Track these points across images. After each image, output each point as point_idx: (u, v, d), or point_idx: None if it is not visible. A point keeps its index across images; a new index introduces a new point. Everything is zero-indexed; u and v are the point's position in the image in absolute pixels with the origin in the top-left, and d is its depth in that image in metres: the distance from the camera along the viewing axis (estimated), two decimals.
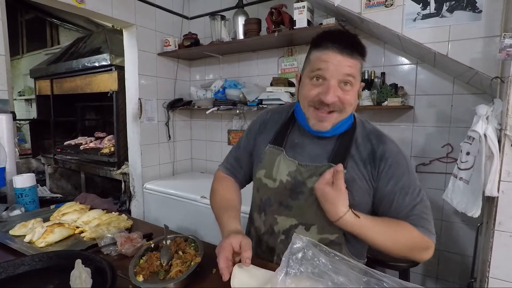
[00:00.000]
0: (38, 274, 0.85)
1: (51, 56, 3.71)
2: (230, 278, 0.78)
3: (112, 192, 3.47)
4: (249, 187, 1.14)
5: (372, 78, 1.98)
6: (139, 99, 2.53)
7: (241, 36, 2.36)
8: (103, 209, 1.34)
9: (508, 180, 1.22)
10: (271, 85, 2.28)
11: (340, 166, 0.80)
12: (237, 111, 2.43)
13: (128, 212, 2.71)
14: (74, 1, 2.02)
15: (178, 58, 2.84)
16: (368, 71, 1.99)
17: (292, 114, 1.03)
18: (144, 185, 2.57)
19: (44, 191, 1.94)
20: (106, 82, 2.77)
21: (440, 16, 1.54)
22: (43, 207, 1.44)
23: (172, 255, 0.89)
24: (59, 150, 3.40)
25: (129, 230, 1.20)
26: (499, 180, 1.23)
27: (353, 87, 0.86)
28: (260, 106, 2.29)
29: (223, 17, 2.39)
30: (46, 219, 1.22)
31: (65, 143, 3.47)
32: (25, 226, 1.14)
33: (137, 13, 2.44)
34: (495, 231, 1.25)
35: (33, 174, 1.44)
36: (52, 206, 1.42)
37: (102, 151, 2.98)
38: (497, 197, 1.24)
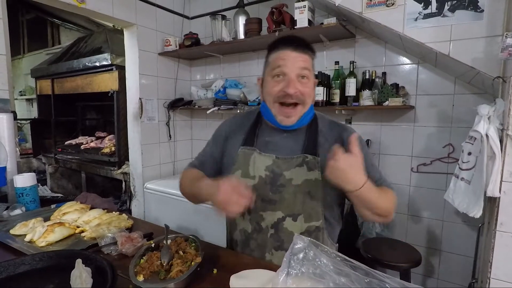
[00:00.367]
0: (39, 273, 0.85)
1: (52, 56, 3.71)
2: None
3: (113, 192, 3.47)
4: None
5: (373, 78, 1.98)
6: (140, 98, 2.53)
7: (241, 35, 2.36)
8: (103, 209, 1.35)
9: (510, 180, 1.22)
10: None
11: (355, 135, 0.89)
12: (238, 111, 2.43)
13: (128, 211, 2.71)
14: (75, 1, 2.02)
15: (178, 58, 2.84)
16: (369, 70, 1.98)
17: (258, 116, 1.12)
18: (145, 185, 2.57)
19: (45, 191, 1.95)
20: (106, 82, 2.77)
21: (442, 15, 1.53)
22: (44, 206, 1.44)
23: (172, 255, 0.89)
24: (60, 149, 3.40)
25: (130, 229, 1.20)
26: (501, 181, 1.23)
27: (309, 80, 0.98)
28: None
29: (223, 17, 2.38)
30: (46, 219, 1.22)
31: (66, 142, 3.47)
32: (26, 225, 1.14)
33: (138, 12, 2.44)
34: (496, 232, 1.25)
35: (33, 174, 1.44)
36: (52, 206, 1.43)
37: (102, 150, 2.98)
38: (499, 198, 1.24)
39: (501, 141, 1.24)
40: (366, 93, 1.94)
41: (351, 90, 1.98)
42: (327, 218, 1.02)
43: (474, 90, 1.79)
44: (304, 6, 1.93)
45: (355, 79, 1.98)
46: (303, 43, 0.99)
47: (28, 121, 3.97)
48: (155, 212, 2.54)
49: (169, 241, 0.96)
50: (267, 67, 1.02)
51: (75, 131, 3.77)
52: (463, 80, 1.80)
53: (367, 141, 2.12)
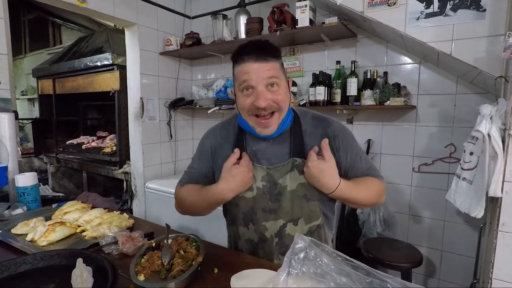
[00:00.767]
0: (40, 272, 0.85)
1: (54, 56, 3.72)
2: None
3: (114, 191, 3.48)
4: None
5: (375, 77, 1.97)
6: (141, 98, 2.53)
7: (243, 35, 2.36)
8: (104, 208, 1.35)
9: None
10: None
11: (325, 140, 0.92)
12: None
13: (129, 211, 2.71)
14: (77, 1, 2.02)
15: (180, 58, 2.84)
16: (370, 70, 1.98)
17: (239, 125, 1.07)
18: (146, 184, 2.58)
19: (46, 190, 1.95)
20: (108, 82, 2.78)
21: (444, 15, 1.52)
22: (45, 206, 1.45)
23: (173, 254, 0.89)
24: (61, 149, 3.41)
25: (131, 229, 1.20)
26: (503, 181, 1.22)
27: (280, 86, 0.94)
28: None
29: (225, 16, 2.38)
30: (48, 218, 1.23)
31: (67, 142, 3.48)
32: (27, 224, 1.14)
33: (139, 12, 2.44)
34: (498, 232, 1.24)
35: (35, 173, 1.44)
36: (54, 205, 1.43)
37: (104, 150, 2.98)
38: (501, 198, 1.23)
39: (503, 141, 1.24)
40: (367, 92, 1.94)
41: (352, 89, 1.98)
42: (324, 213, 1.04)
43: (476, 90, 1.79)
44: (306, 6, 1.93)
45: (356, 78, 1.98)
46: (263, 50, 0.93)
47: (30, 121, 3.98)
48: (156, 211, 2.54)
49: (170, 241, 0.96)
50: (235, 81, 0.99)
51: (77, 131, 3.78)
52: (465, 79, 1.79)
53: (369, 140, 2.11)
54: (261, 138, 1.02)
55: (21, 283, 0.81)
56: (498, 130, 1.25)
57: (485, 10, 1.43)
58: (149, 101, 2.59)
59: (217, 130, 1.13)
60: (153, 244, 0.95)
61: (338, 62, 2.07)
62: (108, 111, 3.66)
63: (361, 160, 1.04)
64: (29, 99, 5.22)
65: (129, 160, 2.72)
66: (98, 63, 2.81)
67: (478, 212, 1.35)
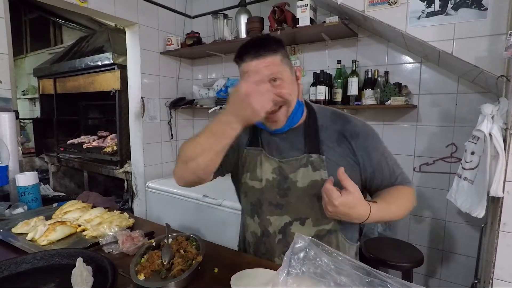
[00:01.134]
0: (40, 272, 0.85)
1: (55, 55, 3.73)
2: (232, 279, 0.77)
3: (115, 191, 3.48)
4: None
5: (376, 77, 1.96)
6: (142, 98, 2.53)
7: (243, 34, 2.36)
8: (105, 208, 1.35)
9: None
10: None
11: (341, 169, 0.80)
12: None
13: (130, 210, 2.72)
14: (77, 0, 2.02)
15: (180, 57, 2.84)
16: (371, 69, 1.97)
17: None
18: (147, 184, 2.58)
19: (47, 190, 1.95)
20: (108, 81, 2.78)
21: (445, 14, 1.52)
22: (46, 205, 1.45)
23: (173, 254, 0.89)
24: (62, 148, 3.41)
25: (131, 228, 1.20)
26: (505, 180, 1.22)
27: (283, 79, 0.90)
28: None
29: (225, 16, 2.38)
30: (48, 217, 1.23)
31: (68, 141, 3.48)
32: (28, 224, 1.14)
33: (139, 12, 2.44)
34: (499, 232, 1.24)
35: (35, 173, 1.45)
36: (54, 205, 1.43)
37: (104, 150, 2.99)
38: (502, 198, 1.22)
39: (504, 141, 1.23)
40: (368, 92, 1.93)
41: (353, 89, 1.97)
42: (341, 220, 0.92)
43: (477, 89, 1.78)
44: (306, 5, 1.92)
45: (357, 78, 1.97)
46: (260, 46, 0.89)
47: (31, 120, 3.99)
48: (157, 211, 2.54)
49: (170, 240, 0.96)
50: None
51: (78, 130, 3.79)
52: (467, 79, 1.79)
53: None
54: (274, 133, 1.00)
55: (21, 283, 0.81)
56: (500, 130, 1.25)
57: (486, 9, 1.42)
58: (149, 100, 2.60)
59: None
60: (153, 244, 0.95)
61: (339, 62, 2.06)
62: (109, 110, 3.66)
63: (388, 163, 0.96)
64: (30, 99, 5.23)
65: (130, 159, 2.72)
66: (99, 63, 2.81)
67: (479, 212, 1.34)
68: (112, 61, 2.69)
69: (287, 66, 0.93)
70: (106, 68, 2.80)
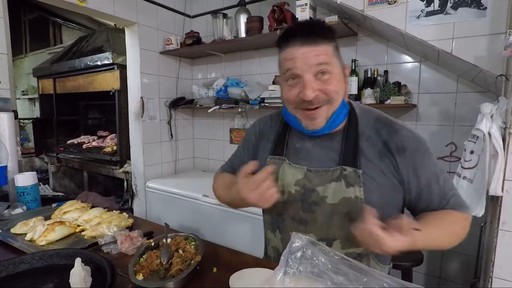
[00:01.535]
0: (38, 272, 0.85)
1: (54, 55, 3.72)
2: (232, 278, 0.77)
3: (115, 191, 3.48)
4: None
5: (375, 76, 1.96)
6: (141, 97, 2.53)
7: (243, 34, 2.35)
8: (104, 208, 1.34)
9: None
10: (273, 83, 2.27)
11: (371, 211, 0.66)
12: (239, 110, 2.42)
13: (130, 210, 2.72)
14: (77, 0, 2.02)
15: (180, 57, 2.84)
16: (371, 69, 1.97)
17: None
18: (146, 184, 2.58)
19: (46, 190, 1.95)
20: (108, 81, 2.78)
21: (444, 13, 1.52)
22: (45, 205, 1.45)
23: (172, 253, 0.89)
24: (62, 149, 3.41)
25: (130, 228, 1.20)
26: (504, 179, 1.22)
27: (332, 74, 0.79)
28: (262, 104, 2.28)
29: (225, 15, 2.38)
30: (47, 218, 1.23)
31: (68, 142, 3.48)
32: (27, 224, 1.14)
33: (139, 11, 2.43)
34: (499, 231, 1.24)
35: (34, 173, 1.45)
36: (53, 205, 1.43)
37: (104, 149, 2.98)
38: (501, 197, 1.23)
39: (503, 140, 1.23)
40: (368, 91, 1.93)
41: (352, 88, 1.97)
42: None
43: (476, 89, 1.78)
44: (306, 4, 1.92)
45: (356, 77, 1.97)
46: (313, 32, 0.78)
47: (30, 121, 3.98)
48: (156, 211, 2.54)
49: (168, 240, 0.96)
50: (280, 69, 0.85)
51: (77, 130, 3.78)
52: (466, 78, 1.78)
53: None
54: (308, 136, 0.89)
55: (19, 283, 0.81)
56: (499, 129, 1.25)
57: (485, 8, 1.42)
58: (149, 100, 2.59)
59: (265, 119, 1.04)
60: (152, 244, 0.95)
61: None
62: (108, 110, 3.66)
63: (439, 183, 0.82)
64: (29, 99, 5.23)
65: (130, 159, 2.72)
66: (99, 63, 2.81)
67: (479, 211, 1.35)
68: (111, 61, 2.69)
69: (338, 60, 0.82)
70: (105, 68, 2.80)
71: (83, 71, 3.00)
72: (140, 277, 0.79)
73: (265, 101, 2.26)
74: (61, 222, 1.14)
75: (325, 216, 0.83)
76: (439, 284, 2.02)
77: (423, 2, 1.56)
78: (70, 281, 0.75)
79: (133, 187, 2.69)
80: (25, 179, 1.39)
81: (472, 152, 1.39)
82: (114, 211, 1.32)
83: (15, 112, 1.62)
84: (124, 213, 1.29)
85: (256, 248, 1.75)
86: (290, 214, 0.89)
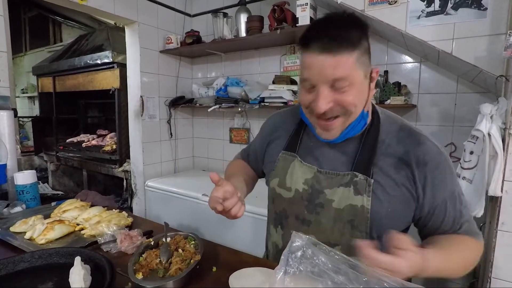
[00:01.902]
0: (38, 271, 0.85)
1: (54, 54, 3.72)
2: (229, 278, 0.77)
3: (114, 190, 3.48)
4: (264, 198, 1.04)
5: None
6: (141, 96, 2.53)
7: (243, 33, 2.35)
8: (103, 206, 1.34)
9: None
10: (273, 83, 2.27)
11: (367, 245, 0.57)
12: (239, 109, 2.43)
13: (129, 209, 2.72)
14: None
15: (180, 56, 2.83)
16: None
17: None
18: (146, 183, 2.58)
19: (46, 188, 1.95)
20: (108, 80, 2.77)
21: (445, 13, 1.52)
22: (44, 204, 1.44)
23: (171, 252, 0.89)
24: (61, 147, 3.41)
25: (130, 227, 1.20)
26: (503, 180, 1.22)
27: (352, 85, 0.71)
28: (262, 104, 2.28)
29: (225, 15, 2.38)
30: (46, 216, 1.23)
31: (67, 140, 3.48)
32: (26, 223, 1.14)
33: (139, 10, 2.43)
34: (498, 231, 1.24)
35: (34, 171, 1.44)
36: (53, 203, 1.42)
37: (104, 148, 2.98)
38: (501, 197, 1.23)
39: (503, 140, 1.24)
40: None
41: None
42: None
43: (476, 89, 1.78)
44: (306, 4, 1.92)
45: None
46: (335, 32, 0.69)
47: (30, 119, 3.98)
48: (156, 210, 2.54)
49: (168, 239, 0.96)
50: (300, 69, 0.80)
51: (77, 129, 3.78)
52: (466, 78, 1.79)
53: None
54: None
55: (19, 282, 0.81)
56: (498, 129, 1.25)
57: (486, 9, 1.42)
58: (149, 99, 2.59)
59: (285, 112, 1.02)
60: (152, 243, 0.95)
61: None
62: (108, 109, 3.66)
63: (455, 205, 0.77)
64: (29, 97, 5.22)
65: (129, 158, 2.72)
66: (98, 61, 2.81)
67: (478, 211, 1.35)
68: (111, 60, 2.69)
69: (363, 67, 0.73)
70: (105, 67, 2.79)
71: (83, 69, 3.00)
72: (139, 276, 0.79)
73: (265, 100, 2.26)
74: (61, 221, 1.14)
75: (328, 220, 0.81)
76: (437, 284, 2.03)
77: (423, 3, 1.56)
78: (69, 280, 0.75)
79: (133, 186, 2.69)
80: (24, 178, 1.39)
81: (471, 153, 1.39)
82: (114, 210, 1.32)
83: (15, 110, 1.62)
84: (124, 212, 1.29)
85: (256, 247, 1.75)
86: (294, 212, 0.87)
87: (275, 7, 2.10)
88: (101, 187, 3.62)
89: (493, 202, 1.36)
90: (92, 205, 1.37)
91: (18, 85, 5.27)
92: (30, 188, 1.40)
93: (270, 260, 1.00)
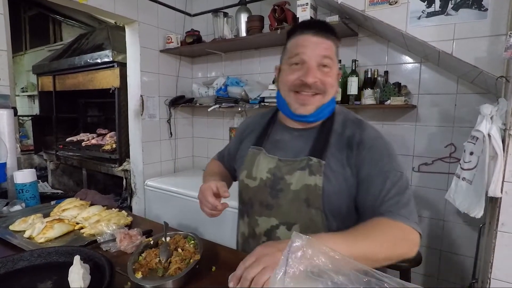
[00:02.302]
0: (37, 270, 0.85)
1: (54, 53, 3.71)
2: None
3: (114, 189, 3.48)
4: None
5: (375, 76, 1.96)
6: (141, 96, 2.52)
7: (243, 33, 2.35)
8: (103, 206, 1.34)
9: None
10: (274, 83, 2.27)
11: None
12: (239, 109, 2.42)
13: (129, 208, 2.72)
14: None
15: (180, 55, 2.83)
16: (371, 69, 1.97)
17: (273, 114, 1.07)
18: (145, 182, 2.57)
19: (45, 187, 1.95)
20: (108, 79, 2.77)
21: (445, 14, 1.52)
22: (44, 202, 1.44)
23: (171, 252, 0.89)
24: (61, 146, 3.41)
25: (129, 226, 1.20)
26: (503, 181, 1.22)
27: (332, 69, 0.89)
28: (262, 104, 2.28)
29: (225, 14, 2.38)
30: (46, 215, 1.22)
31: (67, 139, 3.48)
32: (25, 221, 1.14)
33: (139, 9, 2.43)
34: (497, 232, 1.24)
35: (33, 170, 1.44)
36: (52, 202, 1.42)
37: (103, 147, 2.98)
38: (500, 198, 1.23)
39: (503, 141, 1.23)
40: (368, 92, 1.93)
41: (353, 88, 1.97)
42: (330, 228, 0.88)
43: (477, 90, 1.78)
44: (307, 4, 1.92)
45: (357, 77, 1.97)
46: (326, 27, 0.89)
47: (30, 118, 3.97)
48: (155, 209, 2.54)
49: (168, 239, 0.96)
50: (285, 55, 0.94)
51: (77, 128, 3.78)
52: (466, 79, 1.79)
53: None
54: (288, 129, 0.98)
55: (18, 280, 0.81)
56: (498, 130, 1.25)
57: (486, 9, 1.42)
58: (149, 98, 2.59)
59: (255, 116, 1.16)
60: (151, 242, 0.95)
61: (338, 61, 2.05)
62: (108, 108, 3.65)
63: (385, 182, 0.79)
64: (29, 96, 5.22)
65: (129, 157, 2.72)
66: (98, 60, 2.80)
67: (478, 212, 1.35)
68: (111, 59, 2.68)
69: (337, 62, 0.93)
70: (105, 66, 2.79)
71: (83, 68, 2.99)
72: (139, 275, 0.79)
73: (265, 100, 2.26)
74: (60, 220, 1.14)
75: (287, 201, 0.90)
76: (437, 285, 2.03)
77: (424, 3, 1.56)
78: (68, 278, 0.75)
79: (132, 185, 2.68)
80: (24, 176, 1.39)
81: (471, 153, 1.39)
82: (113, 209, 1.32)
83: (15, 109, 1.61)
84: (123, 211, 1.29)
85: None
86: (258, 199, 0.96)
87: (276, 7, 2.10)
88: (100, 186, 3.62)
89: (493, 203, 1.36)
90: (91, 204, 1.37)
91: (18, 83, 5.26)
92: (29, 187, 1.40)
93: (239, 250, 1.08)
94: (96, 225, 1.12)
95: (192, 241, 0.95)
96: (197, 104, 2.66)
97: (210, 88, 2.71)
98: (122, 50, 2.64)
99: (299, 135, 0.96)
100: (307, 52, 0.87)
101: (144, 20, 2.48)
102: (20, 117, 4.46)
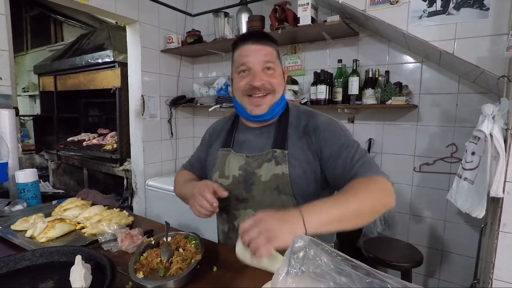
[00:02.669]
0: (39, 269, 0.85)
1: (55, 53, 3.72)
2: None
3: (115, 189, 3.48)
4: None
5: (376, 76, 1.96)
6: (142, 96, 2.53)
7: None
8: (104, 205, 1.34)
9: None
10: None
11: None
12: None
13: (130, 208, 2.72)
14: None
15: (181, 55, 2.83)
16: (372, 69, 1.97)
17: (236, 118, 1.17)
18: (146, 182, 2.58)
19: (47, 187, 1.95)
20: (109, 79, 2.78)
21: (447, 13, 1.51)
22: (45, 202, 1.44)
23: (172, 252, 0.89)
24: (62, 146, 3.41)
25: (130, 226, 1.20)
26: (505, 181, 1.21)
27: (275, 71, 1.00)
28: None
29: (226, 14, 2.38)
30: (47, 215, 1.23)
31: (68, 139, 3.48)
32: (27, 221, 1.14)
33: (140, 9, 2.43)
34: (499, 233, 1.24)
35: (35, 170, 1.44)
36: (53, 202, 1.43)
37: (104, 147, 2.98)
38: (502, 198, 1.22)
39: (505, 141, 1.23)
40: (369, 91, 1.93)
41: (354, 88, 1.97)
42: None
43: (478, 89, 1.78)
44: (307, 4, 1.92)
45: (358, 77, 1.97)
46: (262, 35, 1.01)
47: (31, 118, 3.98)
48: (156, 209, 2.54)
49: (169, 239, 0.96)
50: (233, 65, 1.05)
51: (78, 128, 3.78)
52: (467, 79, 1.78)
53: (370, 140, 2.10)
54: (250, 129, 1.08)
55: (19, 280, 0.81)
56: (500, 130, 1.25)
57: (488, 9, 1.42)
58: (150, 98, 2.59)
59: (218, 121, 1.25)
60: (152, 242, 0.95)
61: (339, 61, 2.06)
62: (109, 108, 3.66)
63: (349, 151, 0.91)
64: (30, 96, 5.23)
65: (130, 157, 2.72)
66: (100, 60, 2.81)
67: (479, 212, 1.34)
68: (112, 59, 2.68)
69: (280, 64, 1.04)
70: (106, 66, 2.79)
71: (84, 68, 3.00)
72: (140, 275, 0.79)
73: None
74: (62, 219, 1.14)
75: (260, 192, 0.99)
76: (438, 286, 2.03)
77: (425, 3, 1.56)
78: (70, 278, 0.75)
79: (133, 185, 2.69)
80: (25, 176, 1.39)
81: (473, 153, 1.39)
82: (114, 209, 1.32)
83: (16, 109, 1.62)
84: (124, 211, 1.29)
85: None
86: (234, 195, 1.02)
87: (276, 7, 2.10)
88: (101, 186, 3.62)
89: (494, 203, 1.35)
90: (92, 204, 1.37)
91: (20, 83, 5.27)
92: (31, 187, 1.40)
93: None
94: (98, 225, 1.12)
95: (193, 241, 0.95)
96: (198, 104, 2.66)
97: (211, 88, 2.71)
98: (123, 50, 2.64)
99: (260, 133, 1.06)
100: (250, 60, 0.97)
101: (145, 20, 2.49)
102: (21, 117, 4.47)
